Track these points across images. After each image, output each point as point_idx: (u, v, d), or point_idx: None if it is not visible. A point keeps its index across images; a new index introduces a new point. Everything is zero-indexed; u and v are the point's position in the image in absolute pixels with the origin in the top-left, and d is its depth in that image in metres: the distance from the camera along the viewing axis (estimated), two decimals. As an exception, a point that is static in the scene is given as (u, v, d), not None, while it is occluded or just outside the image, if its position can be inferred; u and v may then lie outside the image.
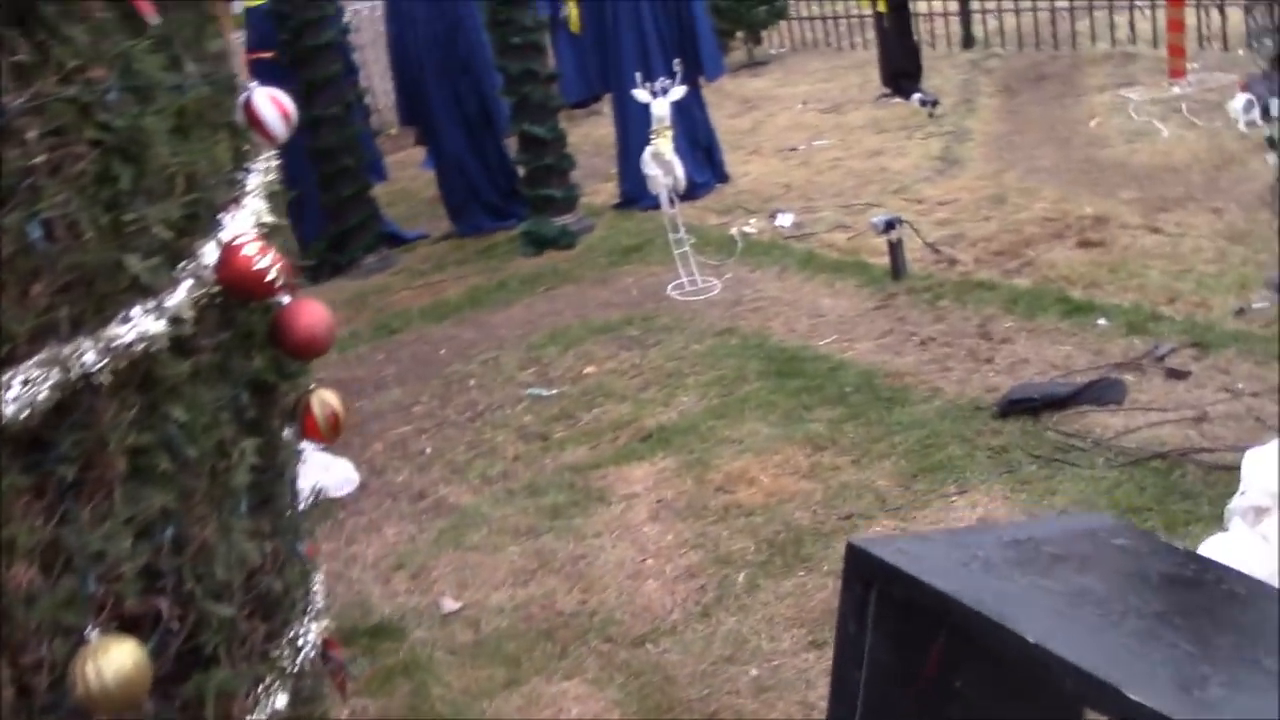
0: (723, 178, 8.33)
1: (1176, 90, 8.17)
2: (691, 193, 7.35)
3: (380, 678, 3.53)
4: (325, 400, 1.78)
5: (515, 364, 5.79)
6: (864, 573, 1.90)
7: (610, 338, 5.91)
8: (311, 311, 1.67)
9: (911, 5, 9.66)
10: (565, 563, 3.99)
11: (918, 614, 1.83)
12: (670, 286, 6.44)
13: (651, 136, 6.25)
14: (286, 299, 1.64)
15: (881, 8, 9.36)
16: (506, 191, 8.29)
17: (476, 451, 4.93)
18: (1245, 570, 3.23)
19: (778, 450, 4.43)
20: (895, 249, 5.87)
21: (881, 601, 1.87)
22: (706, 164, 8.19)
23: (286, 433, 1.77)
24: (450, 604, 3.87)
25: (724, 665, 3.34)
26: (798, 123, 9.63)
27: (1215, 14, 8.97)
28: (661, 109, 6.18)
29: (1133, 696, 1.48)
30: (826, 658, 3.27)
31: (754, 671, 3.29)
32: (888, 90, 9.68)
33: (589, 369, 5.58)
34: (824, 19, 12.81)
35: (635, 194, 7.96)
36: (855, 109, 9.66)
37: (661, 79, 6.21)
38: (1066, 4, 10.30)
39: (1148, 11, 9.66)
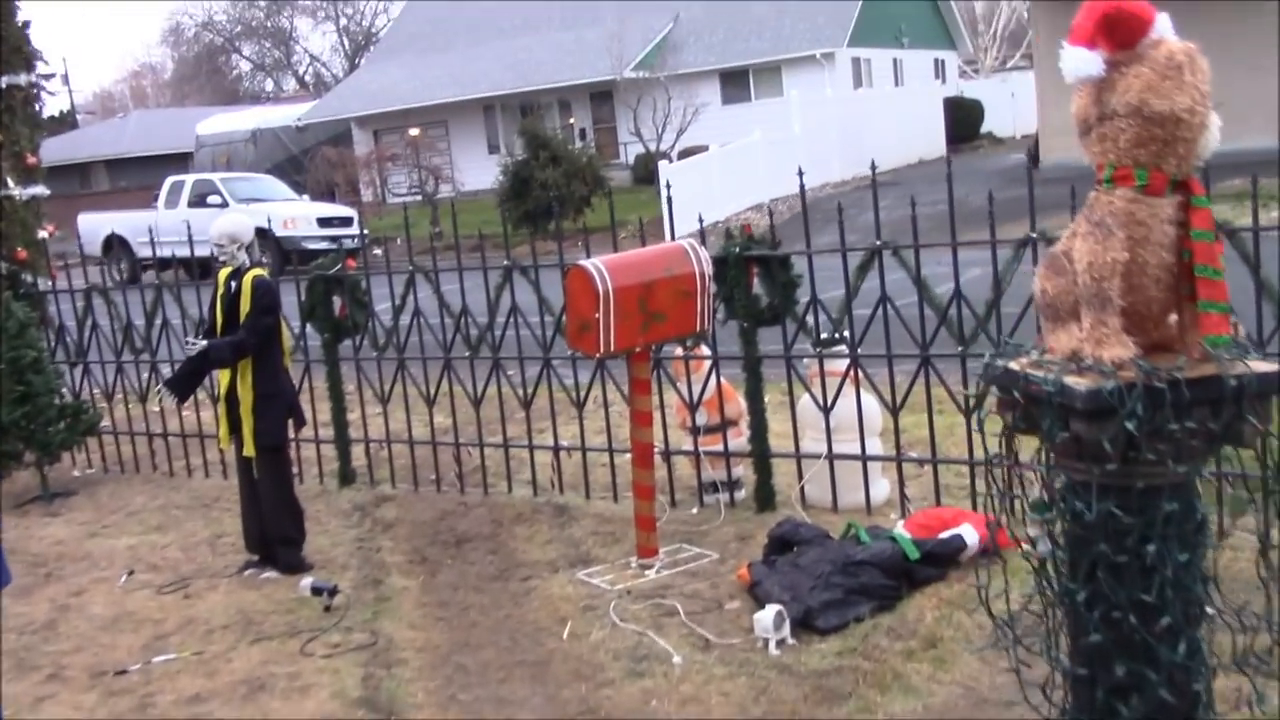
0: (1, 744, 5.05)
1: (652, 574, 6.32)
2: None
3: None
4: None
5: None
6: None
7: None
8: None
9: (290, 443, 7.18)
10: None
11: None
12: None
13: None
14: None
15: (249, 451, 6.76)
16: None
17: None
18: None
19: None
20: None
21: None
22: (-29, 730, 4.90)
23: None
24: None
25: None
26: (124, 612, 6.56)
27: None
28: None
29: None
30: None
31: None
32: (255, 559, 6.98)
33: None
34: (149, 435, 9.88)
35: None
36: (211, 588, 6.80)
37: None
38: (470, 442, 8.38)
39: (574, 453, 7.97)
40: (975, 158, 33.29)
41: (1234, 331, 2.82)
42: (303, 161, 37.96)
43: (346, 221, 26.54)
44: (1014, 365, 2.80)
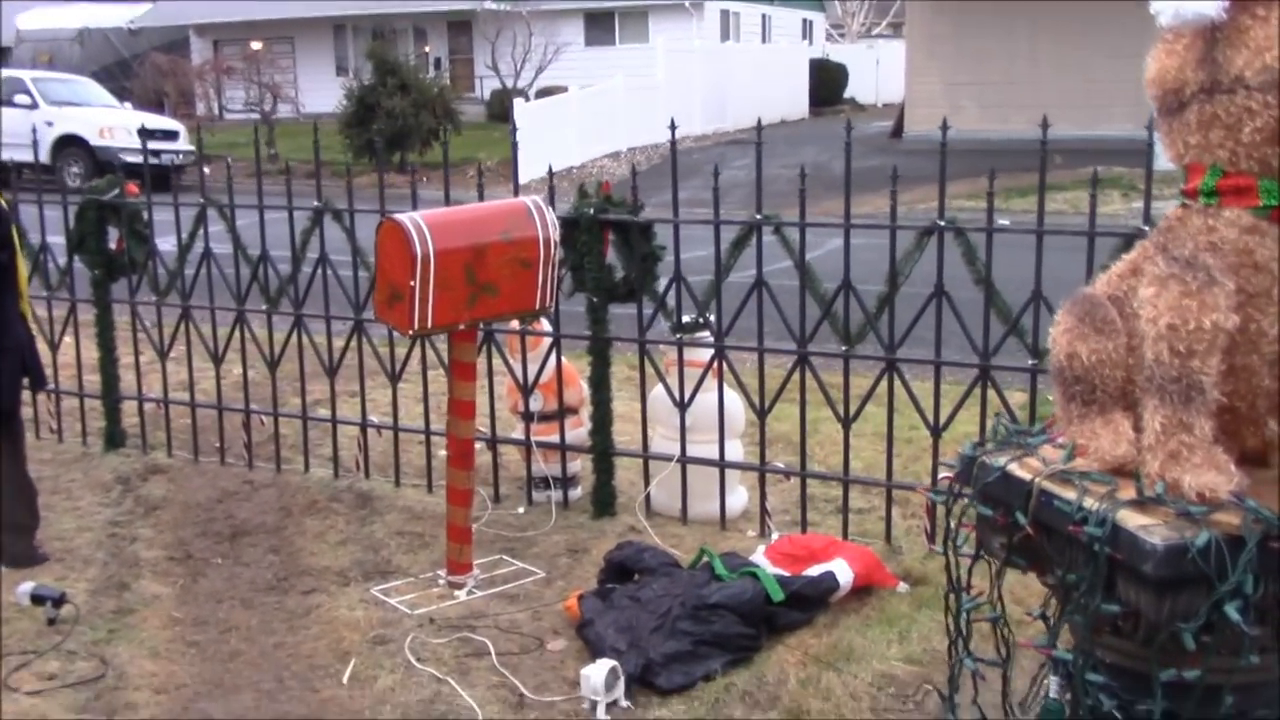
0: None
1: (462, 595, 5.23)
2: None
3: None
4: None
5: None
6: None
7: None
8: None
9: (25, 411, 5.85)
10: None
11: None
12: None
13: None
14: None
15: (-32, 416, 5.42)
16: None
17: None
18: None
19: None
20: None
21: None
22: None
23: None
24: None
25: None
26: None
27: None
28: None
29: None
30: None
31: None
32: (-26, 546, 5.66)
33: None
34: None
35: None
36: (-90, 582, 5.47)
37: None
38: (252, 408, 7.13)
39: (384, 432, 6.80)
40: (838, 122, 32.70)
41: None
42: (132, 67, 35.25)
43: (171, 135, 24.48)
44: (1019, 470, 1.72)
